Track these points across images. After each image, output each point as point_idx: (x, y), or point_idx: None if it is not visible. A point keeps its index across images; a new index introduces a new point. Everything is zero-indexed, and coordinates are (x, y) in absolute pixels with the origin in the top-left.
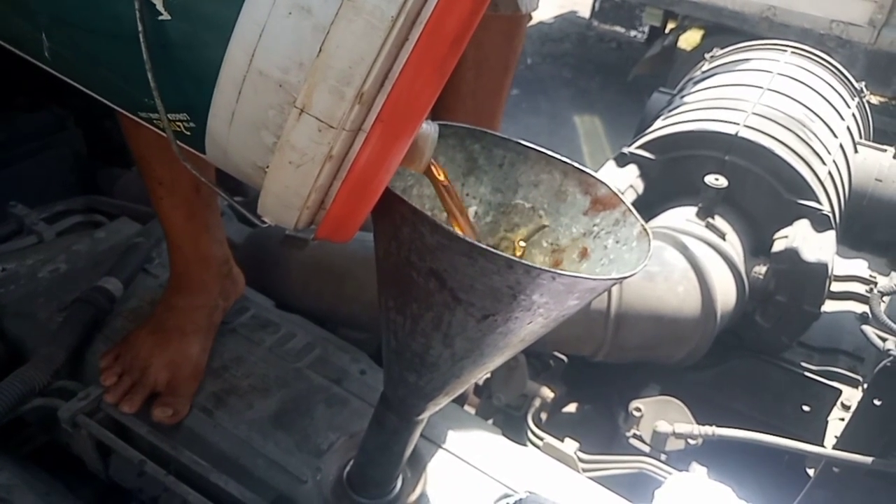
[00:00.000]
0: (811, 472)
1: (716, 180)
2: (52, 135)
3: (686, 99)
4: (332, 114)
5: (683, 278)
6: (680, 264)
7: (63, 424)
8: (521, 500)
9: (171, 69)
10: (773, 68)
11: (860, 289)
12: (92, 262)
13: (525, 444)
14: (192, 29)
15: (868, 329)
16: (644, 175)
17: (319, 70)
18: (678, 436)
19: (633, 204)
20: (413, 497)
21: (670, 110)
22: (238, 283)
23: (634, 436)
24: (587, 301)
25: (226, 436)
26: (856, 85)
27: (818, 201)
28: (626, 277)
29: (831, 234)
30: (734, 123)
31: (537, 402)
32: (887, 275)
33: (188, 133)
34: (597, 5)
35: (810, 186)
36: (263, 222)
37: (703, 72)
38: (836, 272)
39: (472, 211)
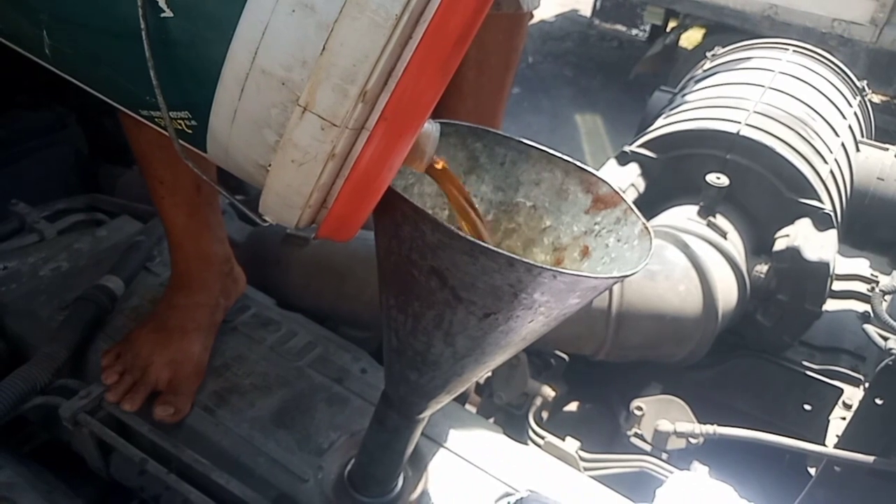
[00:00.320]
0: (812, 471)
1: (717, 179)
2: (53, 133)
3: (687, 97)
4: (336, 112)
5: (685, 277)
6: (681, 263)
7: (64, 423)
8: (522, 498)
9: (174, 67)
10: (774, 67)
11: (862, 288)
12: (93, 261)
13: (526, 443)
14: (195, 27)
15: (870, 328)
16: (645, 174)
17: (323, 68)
18: (679, 435)
19: (635, 202)
20: (414, 495)
21: (672, 109)
22: (239, 282)
23: (636, 435)
24: (588, 300)
25: (227, 434)
26: (857, 83)
27: (820, 200)
28: (627, 276)
29: (833, 233)
30: (736, 122)
31: (538, 401)
32: (889, 273)
33: (190, 131)
34: (598, 4)
35: (812, 185)
36: (265, 221)
37: (705, 70)
38: (838, 271)
39: None
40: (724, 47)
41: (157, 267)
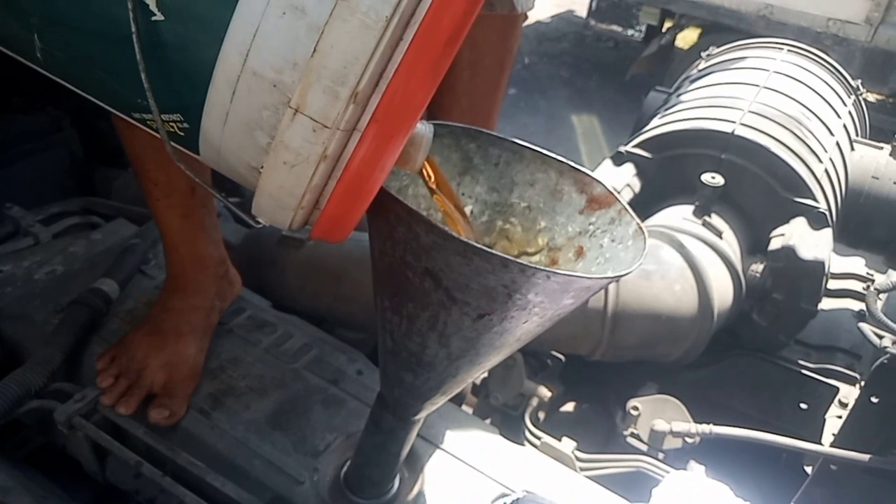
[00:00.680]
0: (809, 469)
1: (712, 178)
2: (48, 136)
3: (682, 97)
4: (327, 114)
5: (680, 277)
6: (677, 263)
7: (59, 426)
8: (518, 499)
9: (165, 70)
10: (769, 66)
11: (857, 286)
12: (88, 264)
13: (522, 444)
14: (186, 29)
15: (865, 326)
16: (641, 174)
17: (314, 70)
18: (676, 434)
19: (630, 202)
20: (410, 497)
21: (667, 109)
22: (234, 284)
23: (632, 434)
24: (583, 300)
25: (223, 437)
26: (852, 83)
27: (815, 199)
28: (621, 276)
29: (828, 232)
30: (731, 122)
31: (535, 402)
32: (884, 272)
33: (182, 134)
34: (594, 4)
35: (807, 184)
36: (258, 223)
37: (700, 70)
38: (833, 270)
39: (467, 210)
40: (719, 47)
41: (152, 270)
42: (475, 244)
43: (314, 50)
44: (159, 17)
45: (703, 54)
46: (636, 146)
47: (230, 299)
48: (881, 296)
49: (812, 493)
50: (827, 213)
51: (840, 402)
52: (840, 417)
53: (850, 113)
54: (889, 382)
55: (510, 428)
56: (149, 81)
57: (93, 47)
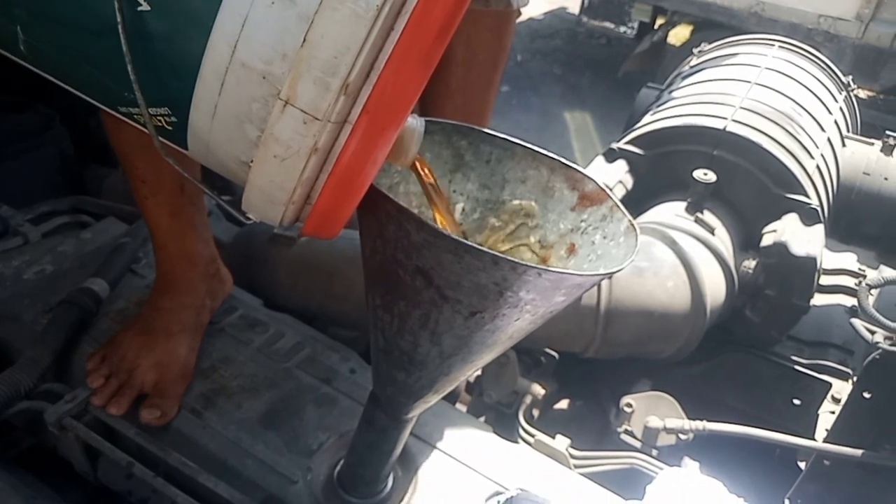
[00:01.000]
0: (802, 465)
1: (704, 175)
2: (37, 134)
3: (674, 94)
4: (318, 105)
5: (673, 273)
6: (669, 259)
7: (50, 427)
8: (512, 497)
9: (152, 62)
10: (760, 63)
11: (849, 282)
12: (78, 263)
13: (516, 441)
14: (173, 20)
15: (857, 322)
16: (633, 170)
17: (304, 61)
18: (669, 431)
19: (623, 199)
20: (404, 496)
21: (659, 105)
22: (226, 283)
23: (626, 431)
24: (574, 297)
25: (215, 437)
26: (843, 79)
27: (806, 195)
28: (612, 273)
29: (820, 228)
30: (722, 118)
31: (528, 399)
32: (876, 268)
33: (170, 128)
34: (586, 1)
35: (798, 180)
36: (248, 219)
37: (692, 67)
38: (825, 266)
39: (459, 208)
40: (710, 43)
41: (142, 269)
42: (466, 242)
43: (304, 40)
44: (145, 6)
45: (695, 51)
46: (628, 143)
47: (221, 298)
48: (873, 291)
49: (805, 489)
50: (819, 209)
51: (833, 397)
52: (833, 413)
53: (841, 109)
54: (881, 378)
55: (504, 426)
56: (135, 73)
57: (78, 39)
